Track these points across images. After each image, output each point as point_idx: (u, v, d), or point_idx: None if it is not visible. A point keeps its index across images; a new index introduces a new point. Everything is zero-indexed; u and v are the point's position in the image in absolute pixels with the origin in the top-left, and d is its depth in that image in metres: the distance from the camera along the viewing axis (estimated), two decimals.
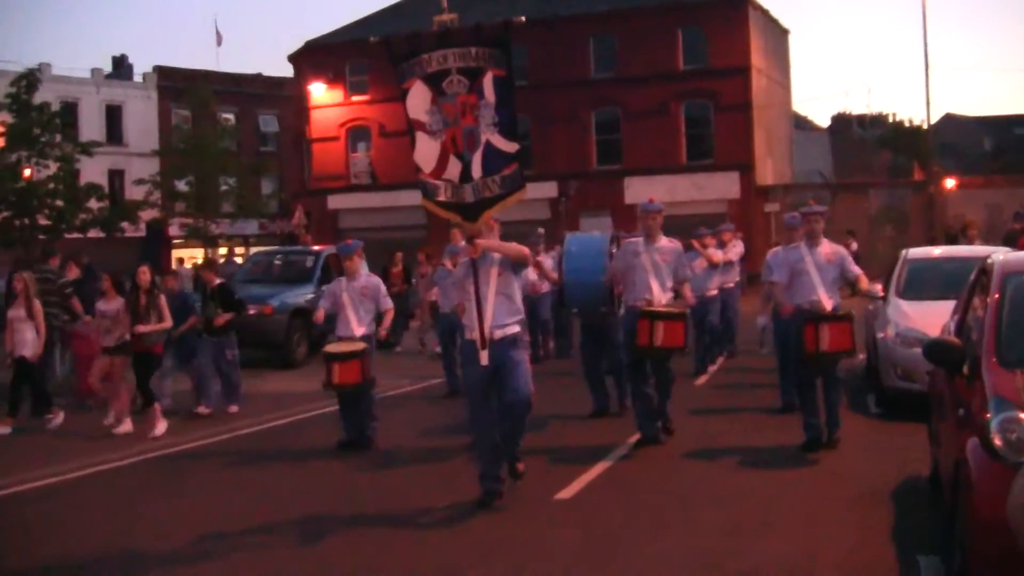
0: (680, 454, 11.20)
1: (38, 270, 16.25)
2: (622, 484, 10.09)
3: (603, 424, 13.12)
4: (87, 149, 40.19)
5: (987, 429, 6.04)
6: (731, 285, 18.56)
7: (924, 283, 13.99)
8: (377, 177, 50.61)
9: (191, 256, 49.40)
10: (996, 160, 66.29)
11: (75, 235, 38.50)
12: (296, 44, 55.44)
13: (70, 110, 49.03)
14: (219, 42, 78.74)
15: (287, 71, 56.19)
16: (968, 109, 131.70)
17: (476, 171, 9.06)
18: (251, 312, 20.19)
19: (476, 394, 9.29)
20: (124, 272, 14.94)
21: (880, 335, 13.59)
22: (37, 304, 14.34)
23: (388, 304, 12.56)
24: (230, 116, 56.96)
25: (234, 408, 15.19)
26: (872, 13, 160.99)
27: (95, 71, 57.16)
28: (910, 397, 12.22)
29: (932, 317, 11.28)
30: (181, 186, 48.03)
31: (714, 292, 17.47)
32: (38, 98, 38.14)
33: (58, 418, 14.44)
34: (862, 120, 78.21)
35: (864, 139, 71.41)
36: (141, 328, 13.56)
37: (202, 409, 14.85)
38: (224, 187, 48.98)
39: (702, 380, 16.67)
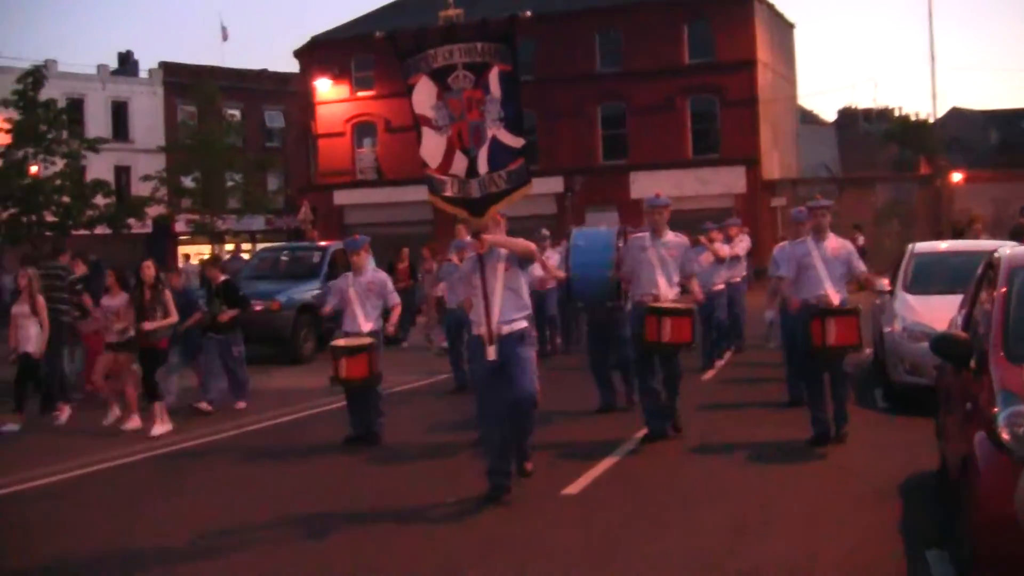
0: (687, 449, 11.20)
1: (48, 267, 16.27)
2: (629, 480, 10.09)
3: (610, 419, 13.12)
4: (93, 146, 40.23)
5: (994, 423, 6.03)
6: (738, 280, 18.55)
7: (931, 277, 13.97)
8: (383, 172, 50.62)
9: (197, 252, 49.39)
10: (1003, 154, 66.11)
11: (82, 232, 38.53)
12: (302, 40, 55.58)
13: (76, 106, 49.17)
14: (225, 38, 78.64)
15: (293, 67, 56.30)
16: (975, 103, 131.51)
17: (482, 166, 9.07)
18: (258, 308, 20.26)
19: (483, 389, 9.30)
20: (130, 268, 14.94)
21: (887, 329, 13.58)
22: (41, 300, 14.35)
23: (395, 300, 12.57)
24: (236, 112, 56.92)
25: (242, 404, 15.20)
26: (878, 6, 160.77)
27: (101, 67, 57.24)
28: (917, 391, 12.23)
29: (939, 311, 11.27)
30: (187, 182, 48.03)
31: (720, 287, 17.45)
32: (44, 95, 38.18)
33: (64, 414, 14.47)
34: (868, 114, 78.00)
35: (870, 133, 71.22)
36: (148, 325, 13.54)
37: (203, 405, 14.78)
38: (230, 183, 48.98)
39: (709, 375, 16.67)
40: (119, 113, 55.99)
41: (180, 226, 51.72)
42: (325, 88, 51.00)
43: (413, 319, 24.41)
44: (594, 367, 13.72)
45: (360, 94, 51.25)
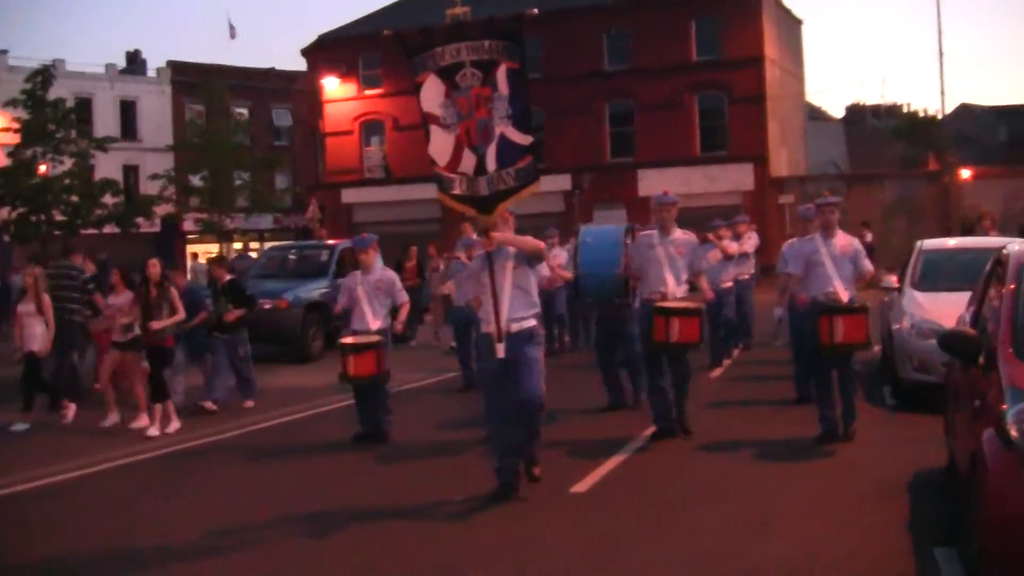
0: (695, 447, 11.20)
1: (60, 266, 16.29)
2: (638, 477, 10.09)
3: (618, 417, 13.13)
4: (102, 145, 40.30)
5: (1003, 420, 6.03)
6: (746, 277, 18.54)
7: (939, 274, 13.95)
8: (391, 171, 50.62)
9: (206, 251, 49.45)
10: (1012, 150, 65.84)
11: (90, 231, 38.60)
12: (309, 38, 55.58)
13: (84, 106, 49.21)
14: (232, 36, 78.72)
15: (300, 65, 56.23)
16: (984, 99, 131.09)
17: (490, 164, 9.06)
18: (266, 307, 20.30)
19: (492, 387, 9.31)
20: (137, 267, 14.94)
21: (895, 326, 13.56)
22: (47, 299, 14.37)
23: (404, 298, 12.59)
24: (244, 111, 56.97)
25: (250, 403, 15.22)
26: (886, 2, 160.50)
27: (109, 66, 57.27)
28: (926, 389, 12.21)
29: (947, 308, 11.26)
30: (195, 181, 48.10)
31: (729, 284, 17.44)
32: (53, 94, 38.25)
33: (70, 412, 14.49)
34: (876, 111, 77.90)
35: (878, 130, 71.11)
36: (156, 324, 13.53)
37: (208, 405, 14.77)
38: (238, 182, 49.03)
39: (717, 373, 16.66)
40: (127, 112, 56.03)
41: (188, 225, 51.76)
42: (333, 86, 51.01)
43: (421, 317, 24.43)
44: (602, 365, 13.71)
45: (368, 92, 51.26)
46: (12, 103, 37.82)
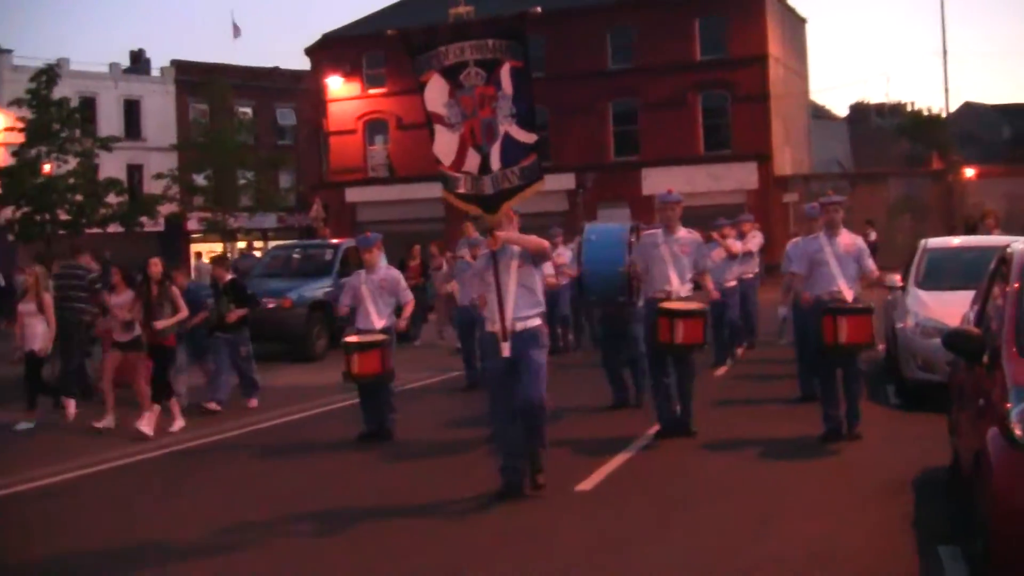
0: (700, 445, 11.20)
1: (68, 266, 16.31)
2: (642, 476, 10.10)
3: (623, 416, 13.14)
4: (106, 144, 40.34)
5: (1007, 419, 6.02)
6: (750, 276, 18.53)
7: (943, 273, 13.93)
8: (395, 170, 50.66)
9: (210, 250, 49.50)
10: (1016, 149, 65.81)
11: (95, 230, 38.65)
12: (313, 37, 55.53)
13: (88, 105, 49.24)
14: (236, 36, 78.69)
15: (304, 64, 56.31)
16: (987, 97, 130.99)
17: (495, 163, 9.07)
18: (270, 306, 20.30)
19: (496, 386, 9.32)
20: (139, 266, 14.92)
21: (899, 325, 13.55)
22: (47, 298, 14.37)
23: (408, 297, 12.60)
24: (247, 110, 57.00)
25: (254, 402, 15.19)
26: (889, 1, 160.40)
27: (113, 66, 57.30)
28: (929, 388, 12.20)
29: (952, 307, 11.23)
30: (199, 180, 48.14)
31: (733, 283, 17.43)
32: (57, 93, 38.30)
33: (70, 409, 14.50)
34: (880, 109, 77.92)
35: (882, 128, 71.11)
36: (160, 324, 13.51)
37: (212, 406, 14.72)
38: (242, 181, 49.08)
39: (721, 371, 16.66)
40: (131, 111, 56.06)
41: (192, 224, 51.82)
42: (337, 85, 51.05)
43: (425, 316, 24.44)
44: (606, 364, 13.72)
45: (372, 91, 51.30)
46: (17, 103, 37.89)
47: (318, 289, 21.64)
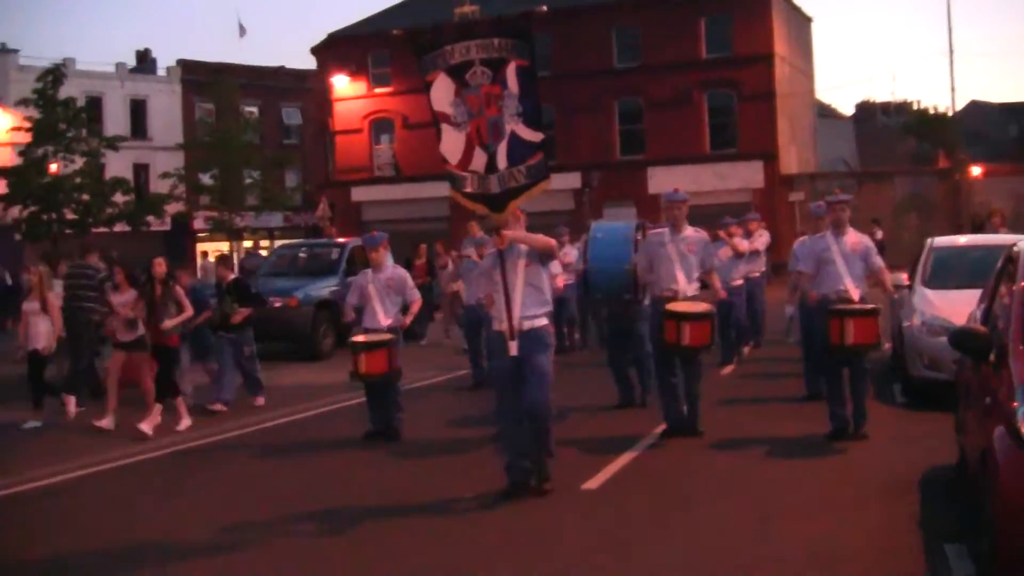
0: (706, 444, 11.20)
1: (78, 266, 16.34)
2: (649, 474, 10.10)
3: (629, 415, 13.14)
4: (112, 144, 40.39)
5: (1014, 417, 6.03)
6: (757, 275, 18.51)
7: (950, 271, 13.92)
8: (400, 169, 50.69)
9: (216, 249, 49.57)
10: (1022, 147, 65.81)
11: (101, 229, 38.70)
12: (319, 36, 55.48)
13: (95, 104, 49.31)
14: (242, 35, 78.98)
15: (310, 63, 56.41)
16: (994, 95, 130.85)
17: (501, 162, 9.07)
18: (277, 305, 20.33)
19: (503, 384, 9.31)
20: (142, 265, 14.91)
21: (906, 324, 13.54)
22: (51, 297, 14.39)
23: (415, 295, 12.60)
24: (253, 109, 57.05)
25: (260, 400, 15.20)
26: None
27: (119, 65, 57.34)
28: (936, 386, 12.18)
29: (958, 305, 11.23)
30: (205, 179, 48.18)
31: (739, 282, 17.41)
32: (63, 93, 38.35)
33: (70, 406, 14.53)
34: (886, 108, 77.84)
35: (888, 127, 71.08)
36: (167, 324, 13.51)
37: (217, 406, 14.69)
38: (248, 180, 49.13)
39: (728, 370, 16.65)
40: (137, 111, 56.11)
41: (198, 223, 51.87)
42: (342, 85, 51.07)
43: (432, 315, 24.44)
44: (612, 363, 13.72)
45: (377, 90, 51.32)
46: (23, 102, 37.95)
47: (324, 288, 21.67)
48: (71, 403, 14.63)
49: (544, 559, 7.55)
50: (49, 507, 9.90)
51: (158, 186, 48.06)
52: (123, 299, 13.90)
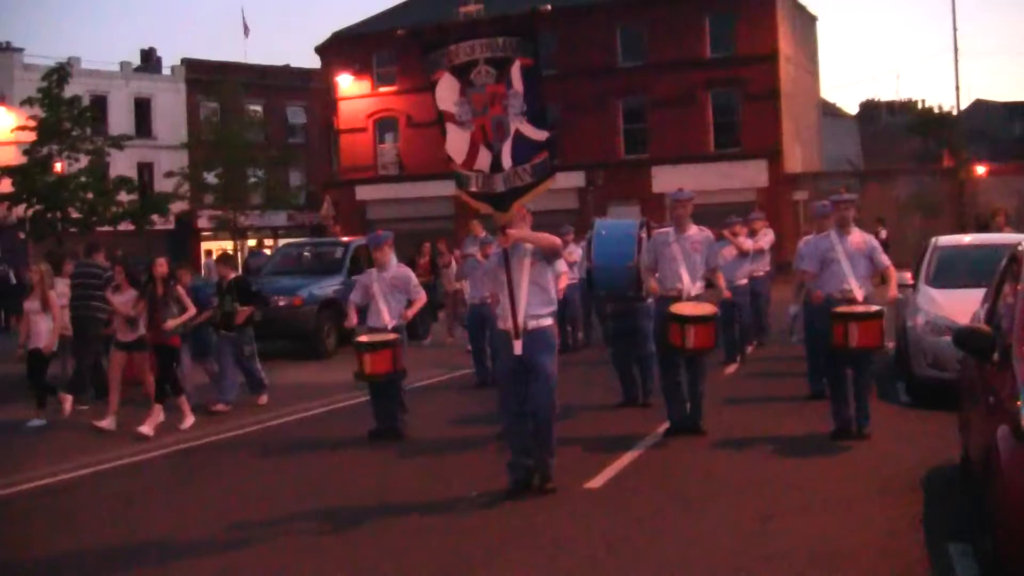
0: (710, 443, 11.21)
1: (85, 265, 16.34)
2: (651, 473, 10.10)
3: (632, 413, 13.14)
4: (117, 143, 40.40)
5: (1017, 416, 6.03)
6: (761, 274, 18.50)
7: (954, 271, 13.92)
8: (405, 168, 50.70)
9: (220, 248, 49.63)
10: None
11: (106, 228, 38.69)
12: (323, 35, 55.64)
13: (99, 103, 49.33)
14: (246, 34, 78.96)
15: (314, 62, 56.40)
16: (998, 94, 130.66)
17: (506, 161, 9.07)
18: (281, 303, 20.35)
19: (507, 383, 9.32)
20: (142, 265, 14.90)
21: (910, 323, 13.54)
22: (52, 296, 14.39)
23: (420, 293, 12.59)
24: (258, 108, 57.13)
25: (263, 399, 15.19)
26: None
27: (124, 64, 57.46)
28: (940, 385, 12.18)
29: (962, 305, 11.24)
30: (210, 178, 48.21)
31: (744, 281, 17.42)
32: (68, 92, 38.34)
33: (66, 404, 14.52)
34: (891, 107, 77.83)
35: (893, 126, 71.02)
36: (170, 324, 13.49)
37: (219, 407, 14.67)
38: (252, 179, 49.17)
39: (731, 369, 16.65)
40: (142, 110, 56.20)
41: (203, 222, 51.91)
42: (347, 83, 51.08)
43: (435, 315, 24.45)
44: (616, 361, 13.73)
45: (382, 89, 51.34)
46: (28, 101, 37.95)
47: (328, 287, 21.67)
48: (67, 401, 14.65)
49: (546, 558, 7.56)
50: (51, 506, 9.92)
51: (162, 185, 48.09)
52: (123, 298, 13.90)
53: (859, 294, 11.03)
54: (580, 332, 20.69)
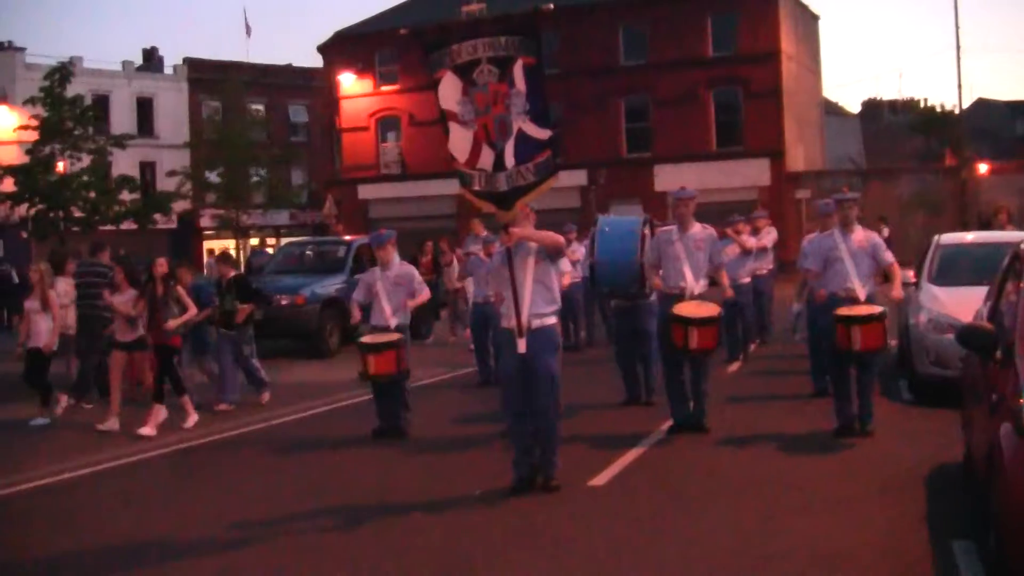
0: (713, 440, 11.21)
1: (89, 264, 16.34)
2: (655, 471, 10.11)
3: (636, 411, 13.15)
4: (120, 142, 40.42)
5: (1020, 414, 6.03)
6: (764, 272, 18.50)
7: (957, 269, 13.91)
8: (407, 166, 50.71)
9: (222, 247, 49.65)
10: None
11: (108, 227, 38.72)
12: (326, 34, 55.66)
13: (101, 103, 49.36)
14: (249, 33, 78.85)
15: (317, 61, 56.40)
16: (1001, 93, 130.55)
17: (509, 160, 9.08)
18: (283, 302, 20.36)
19: (510, 381, 9.32)
20: (142, 264, 14.89)
21: (912, 321, 13.54)
22: (52, 295, 14.38)
23: (424, 290, 12.57)
24: (260, 107, 57.15)
25: (265, 397, 15.19)
26: None
27: (126, 64, 57.50)
28: (942, 383, 12.18)
29: (965, 303, 11.22)
30: (212, 177, 48.23)
31: (747, 279, 17.42)
32: (70, 91, 38.36)
33: (62, 402, 14.53)
34: (893, 105, 77.76)
35: (895, 124, 70.96)
36: (171, 324, 13.48)
37: (222, 407, 14.64)
38: (255, 178, 49.19)
39: (734, 367, 16.66)
40: (144, 109, 56.25)
41: (205, 221, 51.92)
42: (349, 82, 51.10)
43: (438, 313, 24.44)
44: (620, 359, 13.73)
45: (384, 88, 51.36)
46: (31, 101, 37.98)
47: (331, 286, 21.67)
48: (63, 400, 14.65)
49: (549, 556, 7.57)
50: (53, 505, 9.92)
51: (165, 184, 48.12)
52: (123, 298, 13.90)
53: (861, 293, 11.03)
54: (583, 331, 20.69)
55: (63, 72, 38.01)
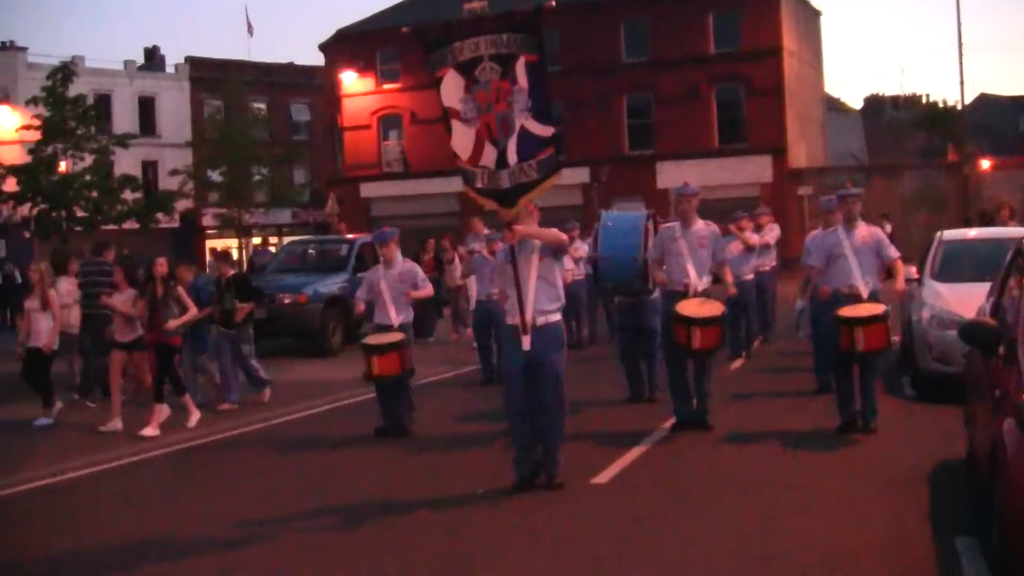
0: (716, 438, 11.21)
1: (93, 263, 16.34)
2: (658, 469, 10.11)
3: (639, 409, 13.14)
4: (122, 141, 40.42)
5: (1023, 410, 6.02)
6: (767, 269, 18.49)
7: (959, 265, 13.89)
8: (409, 165, 50.71)
9: (225, 246, 49.64)
10: None
11: (111, 227, 38.71)
12: (327, 33, 55.67)
13: (103, 102, 49.37)
14: (250, 32, 78.81)
15: (318, 60, 56.39)
16: (1003, 89, 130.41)
17: (511, 157, 9.07)
18: (286, 301, 20.35)
19: (514, 379, 9.31)
20: (142, 264, 14.87)
21: (915, 317, 13.53)
22: (52, 295, 14.37)
23: (427, 286, 12.56)
24: (262, 106, 57.13)
25: (267, 395, 15.18)
26: None
27: (128, 63, 57.49)
28: (945, 379, 12.17)
29: (967, 299, 11.21)
30: (214, 176, 48.23)
31: (750, 276, 17.40)
32: (72, 91, 38.35)
33: (58, 403, 14.55)
34: (895, 102, 77.64)
35: (897, 121, 70.88)
36: (171, 324, 13.46)
37: (225, 407, 14.65)
38: (257, 177, 49.18)
39: (737, 364, 16.65)
40: (146, 108, 56.24)
41: (207, 220, 51.90)
42: (351, 81, 51.09)
43: (440, 312, 24.43)
44: (623, 357, 13.72)
45: (386, 87, 51.34)
46: (33, 100, 37.98)
47: (333, 284, 21.67)
48: (59, 405, 14.66)
49: (551, 554, 7.57)
50: (53, 505, 9.92)
51: (167, 183, 48.12)
52: (122, 298, 13.89)
53: (864, 290, 11.01)
54: (586, 328, 20.68)
55: (65, 72, 37.99)
